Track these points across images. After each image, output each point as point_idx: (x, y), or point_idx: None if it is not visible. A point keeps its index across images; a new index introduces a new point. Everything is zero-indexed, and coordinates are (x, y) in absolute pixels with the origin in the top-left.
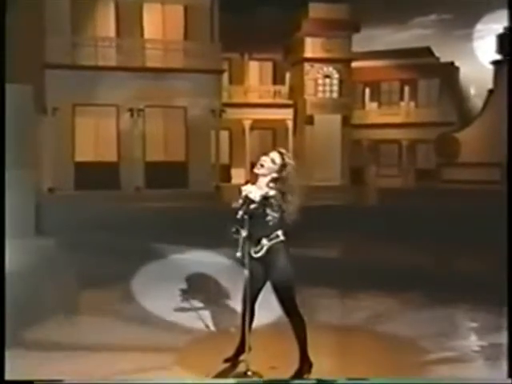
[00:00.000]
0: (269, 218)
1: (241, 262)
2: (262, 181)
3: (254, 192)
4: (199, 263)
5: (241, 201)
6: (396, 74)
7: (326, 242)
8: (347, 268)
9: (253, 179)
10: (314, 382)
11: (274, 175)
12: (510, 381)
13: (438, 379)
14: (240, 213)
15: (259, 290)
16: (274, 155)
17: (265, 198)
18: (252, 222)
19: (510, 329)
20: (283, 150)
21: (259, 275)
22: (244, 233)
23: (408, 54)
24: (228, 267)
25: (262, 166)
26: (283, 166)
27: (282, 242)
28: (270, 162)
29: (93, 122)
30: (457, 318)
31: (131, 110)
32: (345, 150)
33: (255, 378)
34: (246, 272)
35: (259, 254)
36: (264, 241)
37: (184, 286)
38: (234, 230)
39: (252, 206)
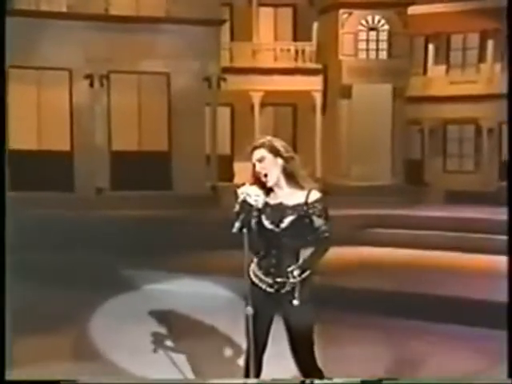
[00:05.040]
0: (323, 228)
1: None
2: (273, 176)
3: (254, 194)
4: (187, 296)
5: (237, 207)
6: (474, 23)
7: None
8: (398, 301)
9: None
10: (357, 381)
11: (288, 169)
12: (510, 381)
13: (438, 379)
14: (236, 225)
15: (267, 333)
16: (267, 143)
17: (306, 203)
18: (286, 240)
19: (510, 329)
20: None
21: (265, 312)
22: (246, 251)
23: None
24: (227, 302)
25: (260, 161)
26: (290, 158)
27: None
28: (268, 152)
29: (34, 93)
30: None
31: (90, 77)
32: (397, 135)
33: None
34: (250, 310)
35: (275, 288)
36: (294, 271)
37: (166, 328)
38: (236, 228)
39: (290, 218)
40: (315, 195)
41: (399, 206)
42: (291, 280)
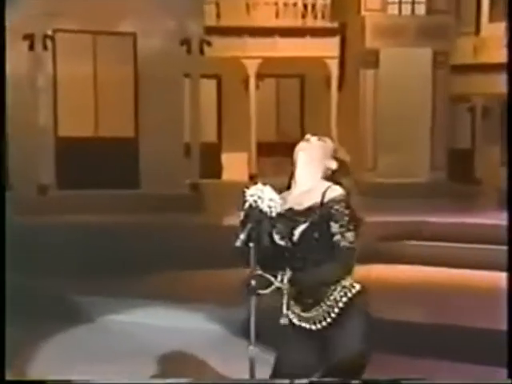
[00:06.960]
0: (337, 237)
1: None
2: (304, 176)
3: (268, 198)
4: (159, 331)
5: (242, 215)
6: None
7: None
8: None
9: (265, 171)
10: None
11: (329, 165)
12: (510, 381)
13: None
14: (241, 237)
15: None
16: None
17: (321, 204)
18: (296, 255)
19: (510, 328)
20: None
21: (298, 362)
22: (258, 272)
23: None
24: (215, 339)
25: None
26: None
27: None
28: (317, 139)
29: None
30: None
31: (30, 37)
32: (439, 116)
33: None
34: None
35: (318, 325)
36: (335, 296)
37: (128, 372)
38: (240, 241)
39: (301, 228)
40: (334, 192)
41: (442, 211)
42: (339, 301)
